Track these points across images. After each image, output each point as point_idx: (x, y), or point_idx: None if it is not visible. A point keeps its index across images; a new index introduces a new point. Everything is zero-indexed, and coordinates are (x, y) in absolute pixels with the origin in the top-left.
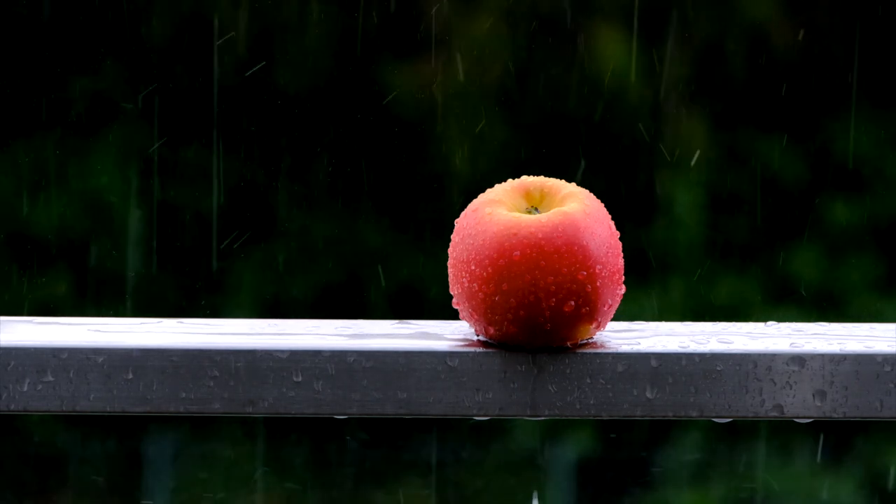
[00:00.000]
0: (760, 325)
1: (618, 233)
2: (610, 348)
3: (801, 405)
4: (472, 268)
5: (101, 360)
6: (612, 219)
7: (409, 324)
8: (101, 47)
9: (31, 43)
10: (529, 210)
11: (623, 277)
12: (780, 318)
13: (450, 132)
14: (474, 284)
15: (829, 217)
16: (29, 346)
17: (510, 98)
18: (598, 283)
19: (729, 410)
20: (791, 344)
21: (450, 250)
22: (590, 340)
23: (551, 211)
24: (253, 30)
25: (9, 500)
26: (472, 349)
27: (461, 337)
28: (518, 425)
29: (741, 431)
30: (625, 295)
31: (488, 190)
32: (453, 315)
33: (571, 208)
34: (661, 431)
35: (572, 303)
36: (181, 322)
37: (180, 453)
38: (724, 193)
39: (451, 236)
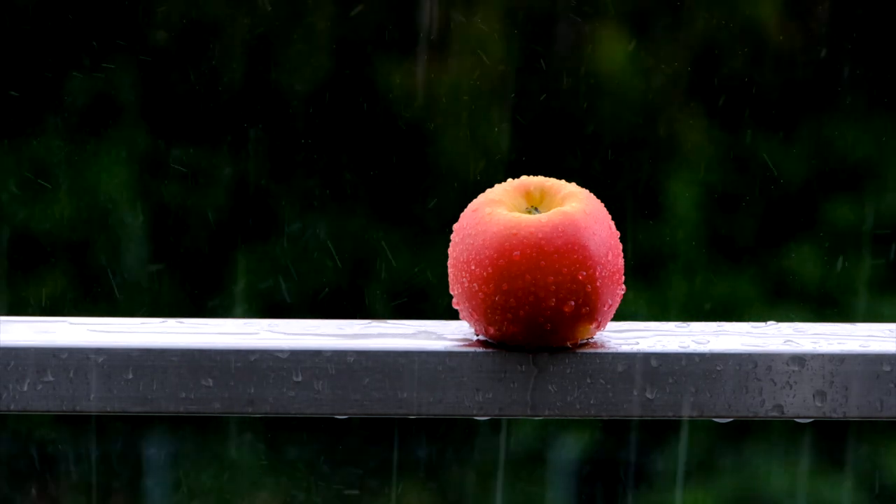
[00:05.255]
0: (760, 325)
1: (618, 233)
2: (610, 348)
3: (801, 405)
4: (472, 268)
5: (101, 360)
6: (612, 219)
7: (409, 324)
8: (102, 47)
9: (31, 42)
10: (529, 210)
11: (623, 277)
12: (780, 318)
13: (449, 132)
14: (474, 284)
15: (829, 217)
16: (29, 346)
17: (510, 98)
18: (598, 283)
19: (729, 410)
20: (791, 344)
21: (450, 250)
22: (590, 340)
23: (551, 211)
24: (253, 29)
25: (8, 499)
26: (472, 349)
27: (461, 337)
28: (518, 425)
29: (741, 431)
30: (625, 295)
31: (488, 190)
32: (453, 315)
33: (571, 208)
34: (661, 431)
35: (572, 303)
36: (181, 322)
37: (180, 453)
38: (724, 193)
39: (451, 236)
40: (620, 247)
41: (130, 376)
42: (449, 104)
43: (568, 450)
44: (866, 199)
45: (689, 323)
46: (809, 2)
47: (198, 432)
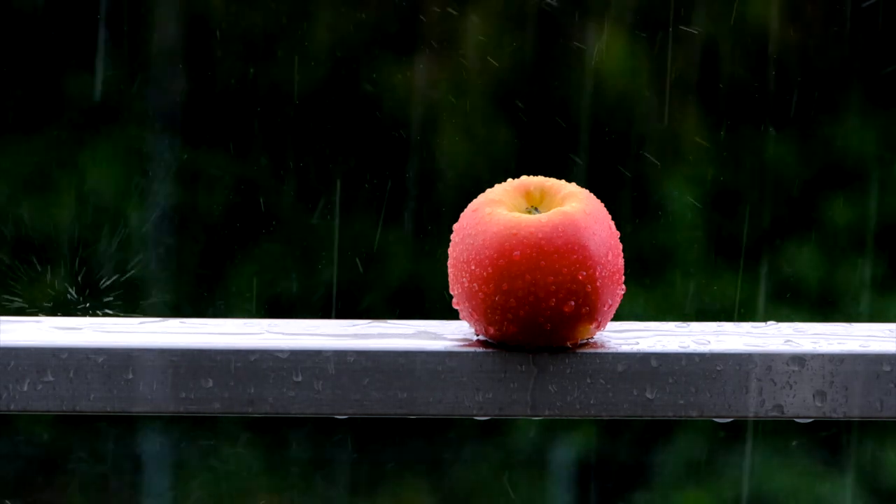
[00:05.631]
0: (760, 325)
1: (618, 233)
2: (610, 348)
3: (801, 405)
4: (472, 268)
5: (101, 360)
6: (612, 219)
7: (409, 324)
8: (101, 46)
9: (30, 41)
10: (529, 210)
11: (623, 277)
12: (780, 318)
13: (449, 132)
14: (474, 284)
15: (829, 217)
16: (29, 346)
17: (510, 98)
18: (598, 283)
19: (729, 410)
20: (791, 344)
21: (450, 250)
22: (590, 340)
23: (551, 211)
24: (253, 29)
25: (8, 500)
26: (472, 349)
27: (461, 337)
28: (518, 425)
29: (741, 431)
30: (625, 295)
31: (488, 190)
32: (453, 315)
33: (571, 208)
34: (661, 431)
35: (572, 303)
36: (181, 322)
37: (180, 453)
38: (724, 193)
39: (451, 236)
40: (620, 247)
41: (130, 376)
42: (448, 104)
43: (567, 450)
44: (866, 199)
45: (689, 323)
46: (809, 1)
47: (197, 432)
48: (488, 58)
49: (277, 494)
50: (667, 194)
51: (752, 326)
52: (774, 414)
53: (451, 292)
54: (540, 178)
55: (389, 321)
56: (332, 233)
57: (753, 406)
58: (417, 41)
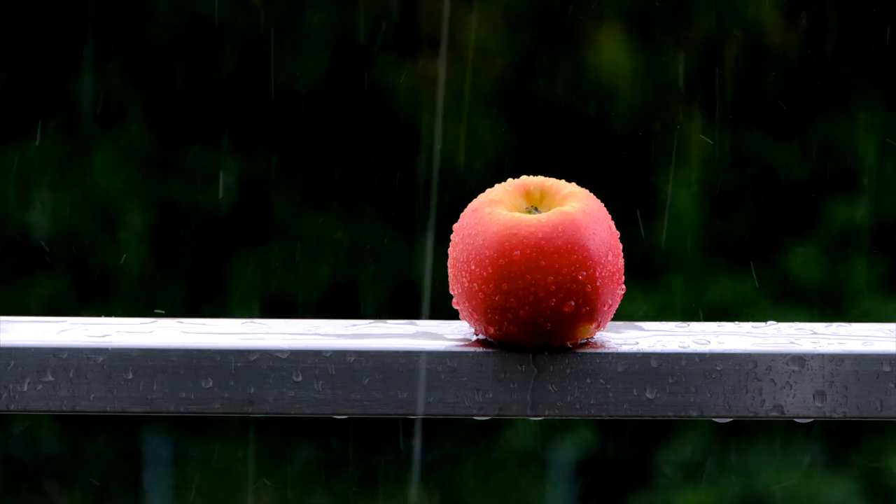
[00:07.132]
0: (760, 325)
1: (618, 233)
2: (610, 348)
3: (801, 405)
4: (472, 268)
5: (101, 360)
6: (612, 219)
7: (409, 324)
8: (102, 46)
9: (31, 41)
10: (529, 210)
11: (623, 277)
12: (780, 318)
13: (449, 132)
14: (474, 284)
15: (829, 217)
16: (29, 346)
17: (510, 98)
18: (598, 283)
19: (729, 410)
20: (791, 344)
21: (450, 250)
22: (590, 340)
23: (551, 211)
24: (253, 28)
25: (8, 500)
26: (472, 349)
27: (461, 337)
28: (518, 425)
29: (741, 431)
30: (625, 295)
31: (488, 190)
32: (453, 315)
33: (571, 208)
34: (661, 431)
35: (572, 303)
36: (181, 322)
37: (180, 453)
38: (724, 193)
39: (451, 236)
40: (620, 247)
41: (130, 376)
42: (448, 103)
43: (567, 450)
44: (866, 199)
45: (689, 323)
46: (809, 2)
47: (197, 432)
48: (490, 57)
49: (276, 494)
50: (667, 194)
51: (753, 326)
52: (774, 414)
53: (451, 292)
54: (540, 178)
55: (389, 321)
56: (332, 232)
57: (753, 406)
58: (419, 40)
